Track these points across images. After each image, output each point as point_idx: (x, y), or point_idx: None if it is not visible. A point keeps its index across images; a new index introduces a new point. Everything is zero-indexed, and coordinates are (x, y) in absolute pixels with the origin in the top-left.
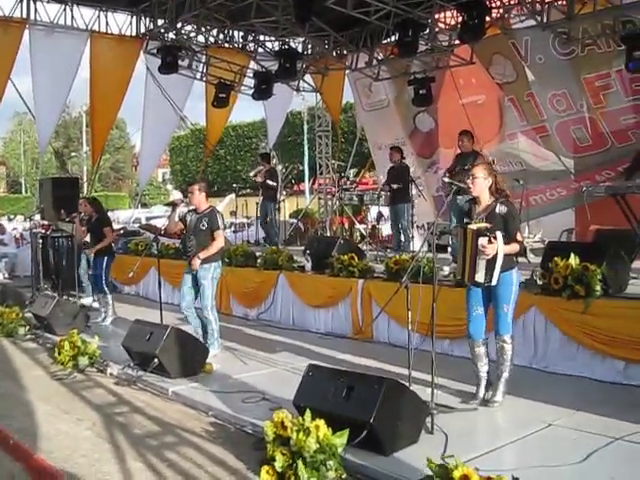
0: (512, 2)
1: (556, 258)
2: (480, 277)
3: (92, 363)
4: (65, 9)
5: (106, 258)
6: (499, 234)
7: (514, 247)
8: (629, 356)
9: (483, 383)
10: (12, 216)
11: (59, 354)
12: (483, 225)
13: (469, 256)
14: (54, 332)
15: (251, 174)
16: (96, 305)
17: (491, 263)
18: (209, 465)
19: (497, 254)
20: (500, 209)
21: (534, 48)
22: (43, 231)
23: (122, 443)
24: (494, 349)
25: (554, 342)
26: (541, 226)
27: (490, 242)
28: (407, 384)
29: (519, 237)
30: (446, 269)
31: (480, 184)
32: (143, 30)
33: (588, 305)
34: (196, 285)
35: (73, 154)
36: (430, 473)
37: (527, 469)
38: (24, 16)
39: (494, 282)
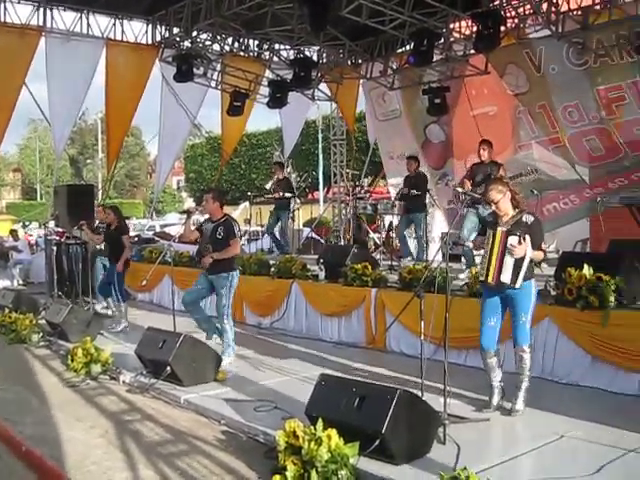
0: (527, 12)
1: (570, 269)
2: (506, 277)
3: (105, 370)
4: (81, 17)
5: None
6: (528, 237)
7: (540, 254)
8: None
9: (497, 392)
10: (27, 223)
11: (72, 361)
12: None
13: (495, 257)
14: (67, 339)
15: (268, 187)
16: (109, 312)
17: (518, 264)
18: (221, 474)
19: (524, 256)
20: (527, 218)
21: (548, 58)
22: (57, 238)
23: (134, 451)
24: (509, 358)
25: (567, 353)
26: (555, 236)
27: (520, 243)
28: (419, 394)
29: (543, 246)
30: (462, 276)
31: (503, 204)
32: (159, 38)
33: (607, 318)
34: (210, 290)
35: (88, 161)
36: None
37: None
38: (40, 24)
39: (518, 285)
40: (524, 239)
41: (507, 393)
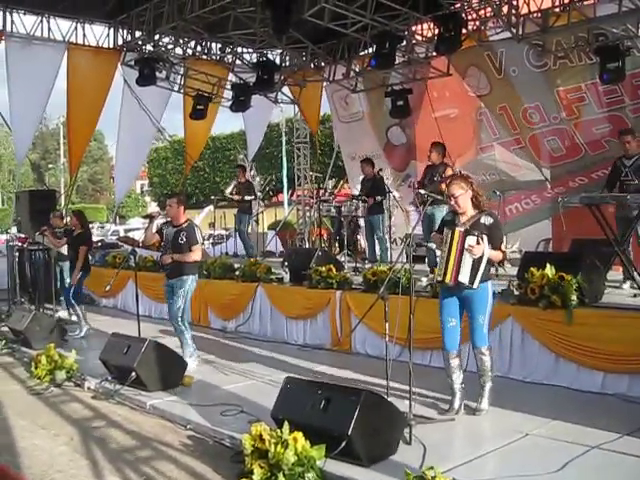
0: (488, 14)
1: (532, 268)
2: (464, 277)
3: (69, 377)
4: (42, 20)
5: (80, 273)
6: (485, 238)
7: (498, 254)
8: (605, 365)
9: (458, 395)
10: None
11: (36, 368)
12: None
13: (453, 257)
14: (31, 346)
15: (227, 192)
16: (74, 318)
17: (476, 265)
18: (187, 479)
19: (482, 257)
20: (485, 220)
21: (509, 60)
22: (20, 244)
23: (99, 458)
24: (472, 358)
25: (531, 352)
26: (518, 236)
27: (477, 243)
28: (385, 395)
29: (503, 247)
30: (424, 280)
31: (463, 200)
32: (120, 42)
33: (571, 316)
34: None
35: (50, 166)
36: None
37: (505, 479)
38: (0, 27)
39: (475, 285)
40: (482, 239)
41: (470, 393)
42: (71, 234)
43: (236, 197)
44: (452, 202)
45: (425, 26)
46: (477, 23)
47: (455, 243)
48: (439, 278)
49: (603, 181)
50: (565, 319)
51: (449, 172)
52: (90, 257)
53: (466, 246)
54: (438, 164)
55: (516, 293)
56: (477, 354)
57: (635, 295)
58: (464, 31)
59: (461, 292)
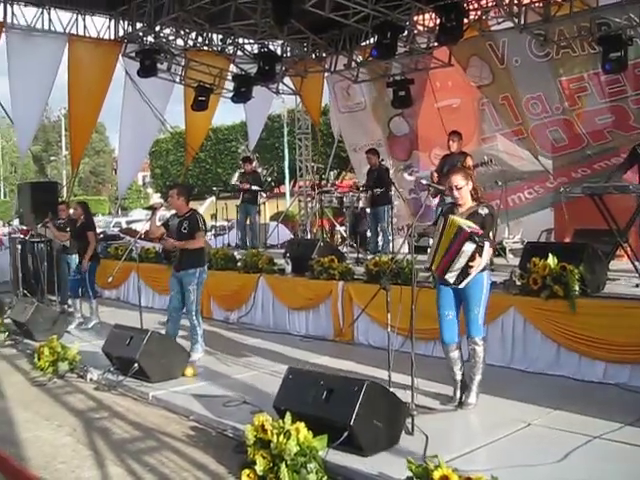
0: (490, 4)
1: (534, 258)
2: (451, 278)
3: (72, 369)
4: (42, 12)
5: (91, 263)
6: (487, 244)
7: (489, 253)
8: (607, 355)
9: (460, 385)
10: None
11: (39, 360)
12: (468, 222)
13: (444, 248)
14: (33, 338)
15: (233, 181)
16: (71, 310)
17: (466, 270)
18: (190, 469)
19: (479, 265)
20: (482, 210)
21: (511, 50)
22: (22, 236)
23: (102, 449)
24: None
25: (533, 342)
26: (520, 226)
27: (479, 255)
28: (387, 386)
29: (490, 236)
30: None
31: (465, 192)
32: (121, 33)
33: (574, 305)
34: (182, 290)
35: (52, 158)
36: (410, 474)
37: (507, 469)
38: (0, 19)
39: (462, 285)
40: (482, 247)
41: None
42: (74, 224)
43: (246, 186)
44: (455, 193)
45: (427, 16)
46: (479, 13)
47: (448, 234)
48: (427, 265)
49: (606, 172)
50: (567, 309)
51: (469, 161)
52: None
53: (463, 249)
54: (457, 153)
55: (518, 283)
56: (470, 343)
57: (637, 285)
58: (466, 21)
59: None
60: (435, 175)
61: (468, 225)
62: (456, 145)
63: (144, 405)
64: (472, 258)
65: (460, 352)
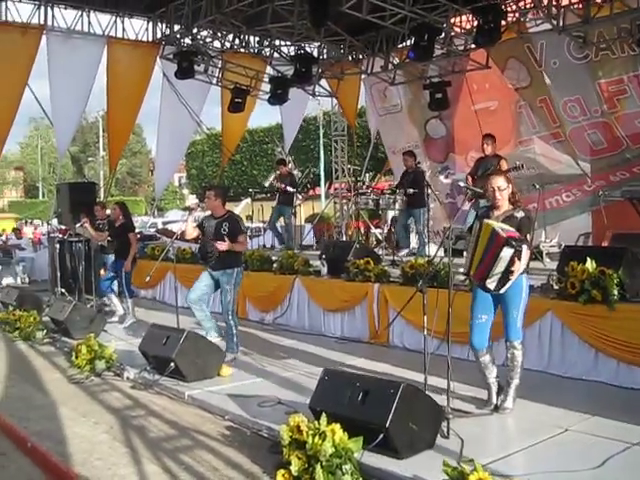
0: (528, 6)
1: (572, 262)
2: (492, 284)
3: (109, 367)
4: (82, 15)
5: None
6: (525, 248)
7: (527, 256)
8: None
9: (494, 389)
10: (29, 220)
11: (76, 358)
12: (503, 226)
13: (480, 252)
14: (71, 336)
15: (267, 183)
16: (111, 309)
17: (507, 275)
18: (225, 468)
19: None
20: (518, 213)
21: (549, 52)
22: (60, 236)
23: (138, 446)
24: (502, 353)
25: (571, 347)
26: (558, 230)
27: (518, 259)
28: (423, 388)
29: (528, 238)
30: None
31: (505, 194)
32: (159, 35)
33: (613, 307)
34: (214, 287)
35: (90, 159)
36: (446, 477)
37: (543, 474)
38: (41, 22)
39: (502, 291)
40: (521, 252)
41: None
42: (113, 226)
43: (281, 186)
44: (496, 193)
45: (464, 18)
46: (517, 15)
47: (483, 238)
48: (464, 270)
49: None
50: (606, 314)
51: (504, 164)
52: None
53: (501, 255)
54: (491, 156)
55: (556, 287)
56: (509, 347)
57: None
58: (503, 23)
59: None
60: (469, 178)
61: (502, 228)
62: (490, 148)
63: (180, 404)
64: (512, 263)
65: (491, 356)
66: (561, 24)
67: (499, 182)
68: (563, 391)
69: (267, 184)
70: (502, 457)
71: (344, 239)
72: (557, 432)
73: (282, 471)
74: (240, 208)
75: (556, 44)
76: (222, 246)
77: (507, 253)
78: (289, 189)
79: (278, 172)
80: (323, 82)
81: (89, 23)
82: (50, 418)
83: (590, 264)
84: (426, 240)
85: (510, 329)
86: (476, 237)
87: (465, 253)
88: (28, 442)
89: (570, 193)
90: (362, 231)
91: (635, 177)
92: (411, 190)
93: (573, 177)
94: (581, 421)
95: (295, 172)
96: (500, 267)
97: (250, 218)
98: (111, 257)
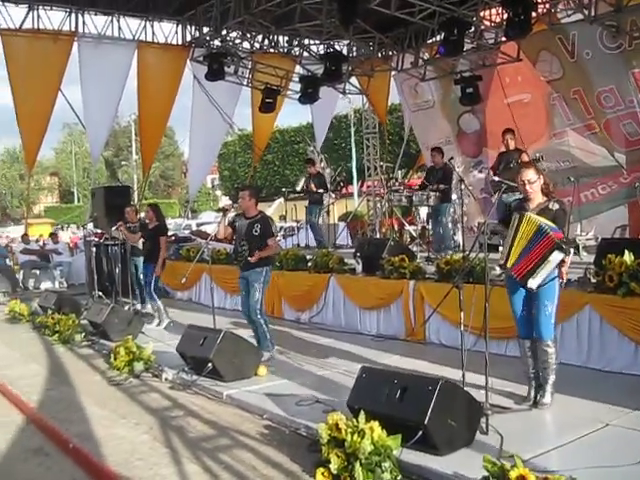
0: None
1: (610, 255)
2: (534, 284)
3: (147, 368)
4: (112, 20)
5: (156, 266)
6: (572, 251)
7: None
8: None
9: (534, 384)
10: (65, 225)
11: (115, 360)
12: (547, 222)
13: (521, 247)
14: (109, 338)
15: (299, 188)
16: (149, 310)
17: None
18: (264, 467)
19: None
20: (553, 205)
21: (582, 43)
22: (96, 239)
23: (178, 446)
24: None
25: (610, 341)
26: (594, 223)
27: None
28: (461, 385)
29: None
30: (498, 269)
31: (537, 186)
32: (189, 38)
33: None
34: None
35: (123, 163)
36: (487, 474)
37: (584, 469)
38: (72, 29)
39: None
40: (567, 254)
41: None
42: (146, 228)
43: (312, 187)
44: (527, 187)
45: (493, 11)
46: (547, 6)
47: (525, 231)
48: (501, 262)
49: None
50: None
51: (525, 158)
52: None
53: (551, 258)
54: (513, 150)
55: (593, 281)
56: (541, 347)
57: None
58: (534, 15)
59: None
60: (491, 173)
61: (548, 225)
62: (512, 142)
63: (218, 404)
64: (560, 265)
65: (535, 348)
66: (593, 14)
67: (529, 175)
68: (603, 386)
69: (299, 189)
70: (542, 453)
71: (378, 237)
72: (597, 427)
73: (321, 469)
74: (273, 208)
75: (588, 34)
76: (253, 259)
77: (557, 257)
78: (319, 191)
79: (308, 174)
80: (353, 80)
81: (119, 28)
82: (90, 420)
83: (628, 256)
84: (450, 233)
85: (543, 326)
86: (515, 229)
87: (500, 248)
88: (70, 443)
89: (606, 185)
90: (396, 228)
91: None
92: (442, 186)
93: (608, 169)
94: (622, 416)
95: (327, 171)
96: (547, 269)
97: (284, 218)
98: (140, 260)
